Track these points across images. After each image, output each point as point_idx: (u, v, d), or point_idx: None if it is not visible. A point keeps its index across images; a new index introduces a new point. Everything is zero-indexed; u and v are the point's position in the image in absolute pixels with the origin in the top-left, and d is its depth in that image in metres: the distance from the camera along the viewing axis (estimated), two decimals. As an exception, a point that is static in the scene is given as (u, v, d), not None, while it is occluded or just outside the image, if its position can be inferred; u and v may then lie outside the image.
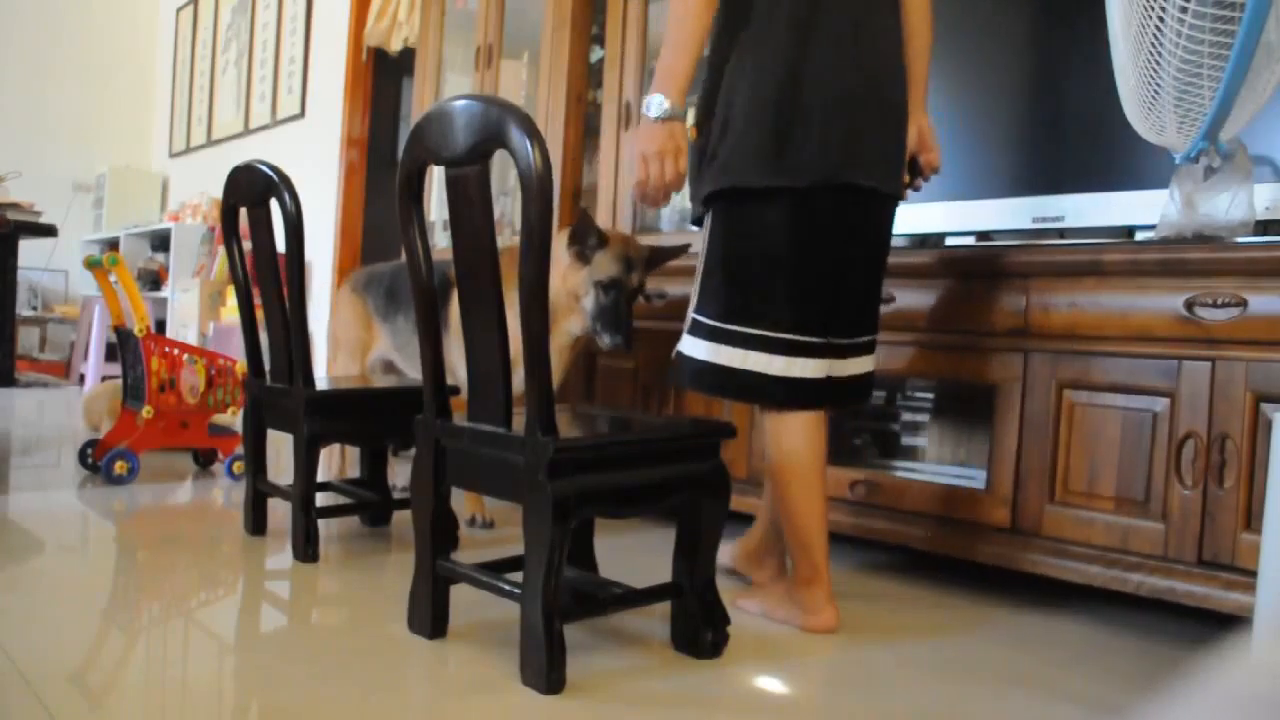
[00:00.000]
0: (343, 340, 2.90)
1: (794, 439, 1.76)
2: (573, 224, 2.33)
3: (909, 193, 1.92)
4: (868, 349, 1.85)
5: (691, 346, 1.80)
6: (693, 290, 1.83)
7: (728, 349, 1.75)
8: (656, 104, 1.63)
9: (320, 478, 2.37)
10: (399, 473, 2.80)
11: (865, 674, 1.60)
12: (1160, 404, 1.80)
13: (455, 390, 1.97)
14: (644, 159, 1.65)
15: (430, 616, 1.64)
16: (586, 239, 2.30)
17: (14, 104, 6.78)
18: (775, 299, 1.72)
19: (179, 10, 7.07)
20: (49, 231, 5.43)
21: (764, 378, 1.73)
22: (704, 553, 1.63)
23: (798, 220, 1.70)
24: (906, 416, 2.48)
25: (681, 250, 2.39)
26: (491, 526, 2.49)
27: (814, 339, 1.74)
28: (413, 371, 2.73)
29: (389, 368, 2.88)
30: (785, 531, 1.81)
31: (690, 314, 1.82)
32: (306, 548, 2.11)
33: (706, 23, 1.65)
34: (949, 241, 2.25)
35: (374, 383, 2.54)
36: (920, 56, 1.86)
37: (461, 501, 2.48)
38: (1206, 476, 1.74)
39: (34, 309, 6.89)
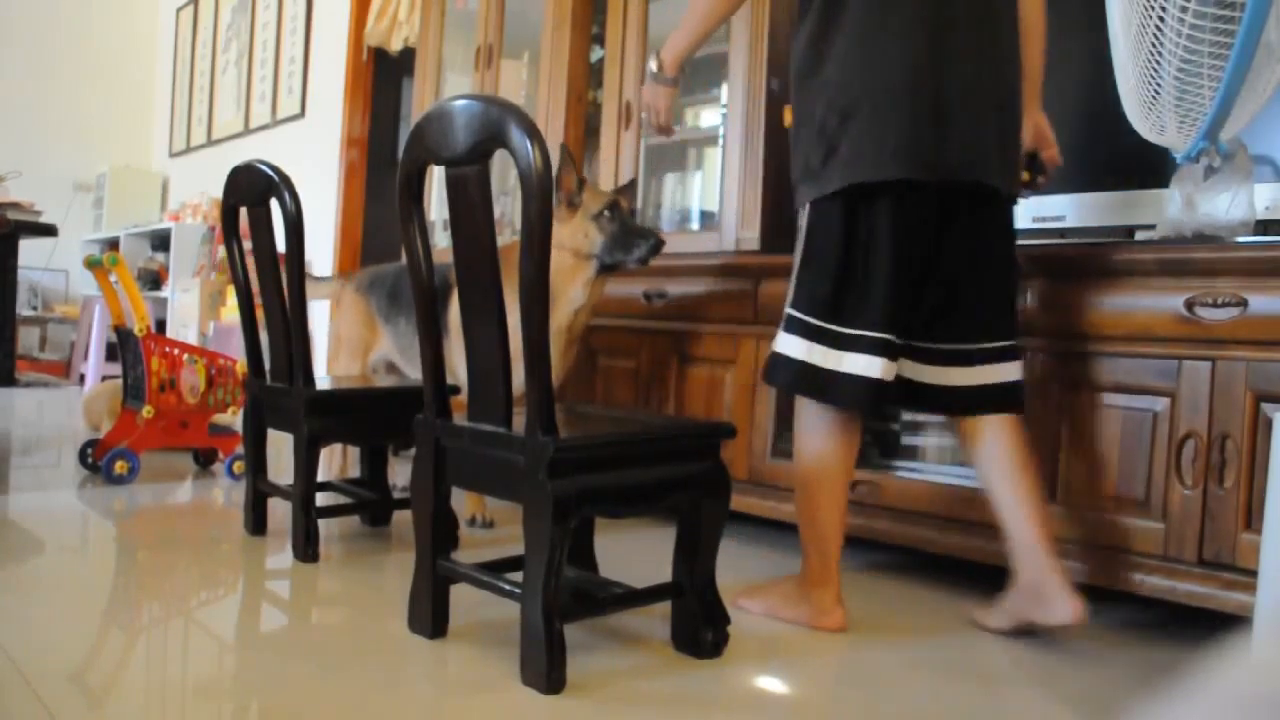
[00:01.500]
0: (345, 340, 2.89)
1: (829, 439, 1.75)
2: (557, 169, 2.30)
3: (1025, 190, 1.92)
4: (997, 356, 1.76)
5: (788, 344, 1.76)
6: (790, 283, 1.79)
7: (822, 348, 1.71)
8: (651, 64, 1.92)
9: (320, 478, 2.37)
10: (399, 473, 2.80)
11: (866, 674, 1.60)
12: (1160, 404, 1.80)
13: (455, 390, 1.97)
14: (643, 107, 2.02)
15: (430, 616, 1.64)
16: (571, 181, 2.32)
17: (14, 104, 6.78)
18: (877, 298, 1.68)
19: (179, 10, 7.07)
20: (49, 231, 5.43)
21: (856, 379, 1.69)
22: (704, 553, 1.63)
23: (920, 217, 1.68)
24: (907, 416, 2.48)
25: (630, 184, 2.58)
26: (491, 526, 2.49)
27: (903, 341, 1.72)
28: (414, 372, 2.72)
29: (390, 368, 2.87)
30: (802, 529, 1.80)
31: (786, 310, 1.78)
32: (306, 548, 2.11)
33: (724, 13, 1.83)
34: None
35: (375, 383, 2.54)
36: (1035, 49, 1.82)
37: (462, 501, 2.47)
38: (1207, 476, 1.74)
39: (34, 309, 6.89)
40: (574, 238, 2.33)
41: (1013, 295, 1.80)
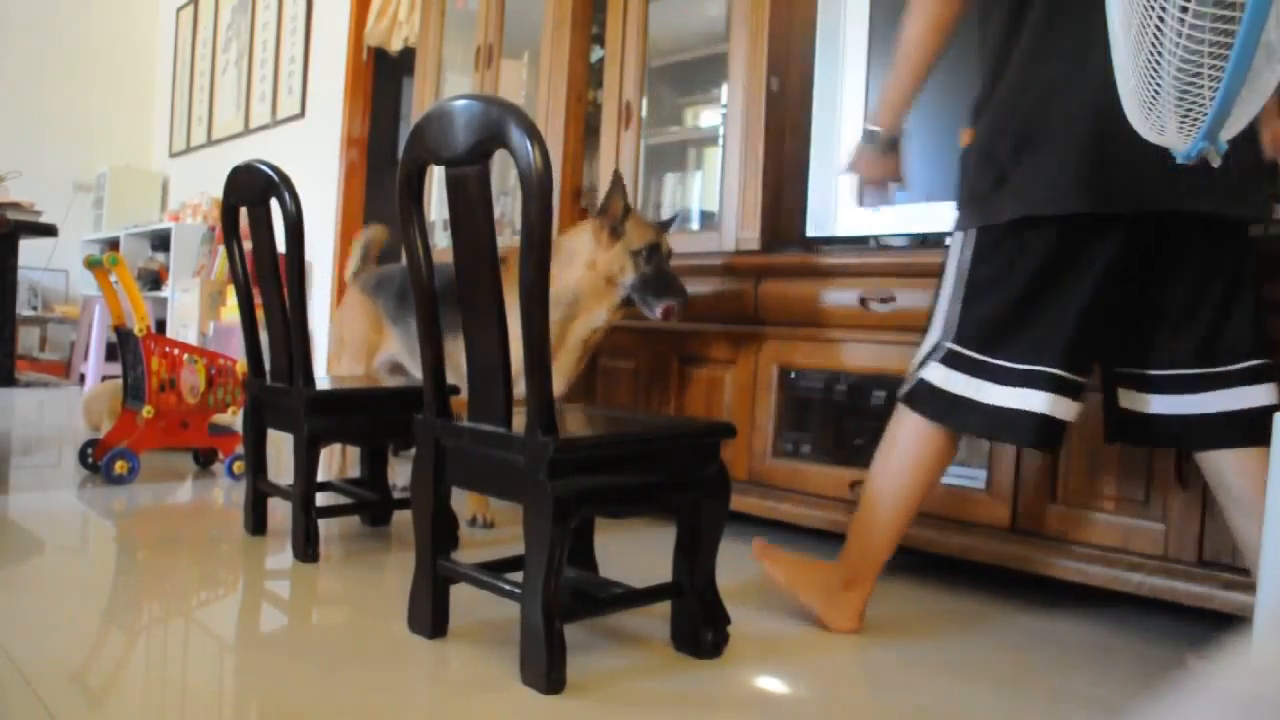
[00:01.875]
0: (348, 341, 2.86)
1: (922, 460, 1.69)
2: (608, 193, 2.32)
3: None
4: (1239, 379, 1.56)
5: (942, 376, 1.66)
6: (939, 311, 1.70)
7: (993, 386, 1.62)
8: (867, 128, 1.83)
9: (320, 478, 2.37)
10: (399, 473, 2.80)
11: (866, 674, 1.60)
12: (1160, 404, 1.80)
13: (455, 390, 1.96)
14: (862, 178, 1.90)
15: (430, 616, 1.64)
16: (618, 208, 2.30)
17: (14, 104, 6.78)
18: (1051, 332, 1.58)
19: (179, 10, 7.07)
20: (49, 231, 5.43)
21: (1018, 415, 1.59)
22: (704, 553, 1.63)
23: (1107, 248, 1.55)
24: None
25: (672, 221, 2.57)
26: (492, 526, 2.49)
27: (1081, 378, 1.61)
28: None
29: (396, 369, 2.86)
30: (855, 529, 1.75)
31: (937, 339, 1.69)
32: (306, 548, 2.11)
33: (929, 51, 1.71)
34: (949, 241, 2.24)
35: (381, 384, 2.54)
36: None
37: (463, 501, 2.47)
38: (1207, 476, 1.74)
39: (34, 309, 6.89)
40: (609, 265, 2.34)
41: (1251, 310, 1.59)
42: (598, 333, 2.45)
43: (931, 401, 1.67)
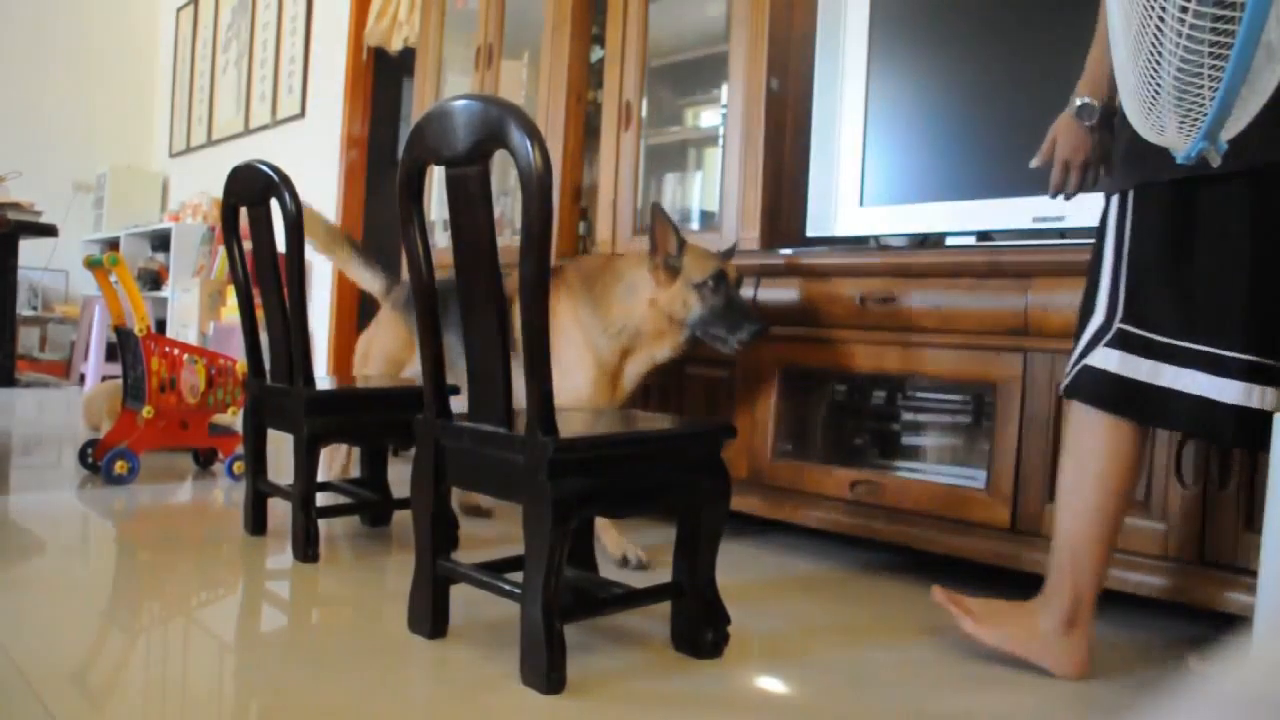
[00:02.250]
0: (374, 356, 2.76)
1: (1112, 461, 1.50)
2: (651, 228, 2.16)
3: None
4: None
5: (1116, 361, 1.47)
6: (1101, 291, 1.51)
7: (1151, 363, 1.44)
8: (1078, 100, 1.61)
9: (320, 478, 2.36)
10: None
11: (865, 674, 1.60)
12: (1160, 404, 1.79)
13: (455, 390, 1.96)
14: (1057, 154, 1.64)
15: (430, 616, 1.64)
16: (669, 242, 2.14)
17: (14, 104, 6.78)
18: (1231, 307, 1.40)
19: (179, 10, 7.07)
20: (49, 231, 5.43)
21: (1210, 405, 1.40)
22: (704, 552, 1.63)
23: (1261, 210, 1.39)
24: (907, 416, 2.48)
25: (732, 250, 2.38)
26: (647, 568, 2.13)
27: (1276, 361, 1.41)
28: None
29: None
30: (1057, 556, 1.56)
31: (1102, 320, 1.50)
32: (306, 548, 2.11)
33: None
34: (949, 241, 2.25)
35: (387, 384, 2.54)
36: None
37: (603, 537, 2.15)
38: (1206, 476, 1.74)
39: (34, 309, 6.89)
40: (671, 304, 2.17)
41: None
42: (657, 368, 2.30)
43: (1106, 390, 1.48)
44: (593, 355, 2.27)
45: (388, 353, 2.73)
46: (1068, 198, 1.67)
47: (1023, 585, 2.13)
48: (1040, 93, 2.16)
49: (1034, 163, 1.68)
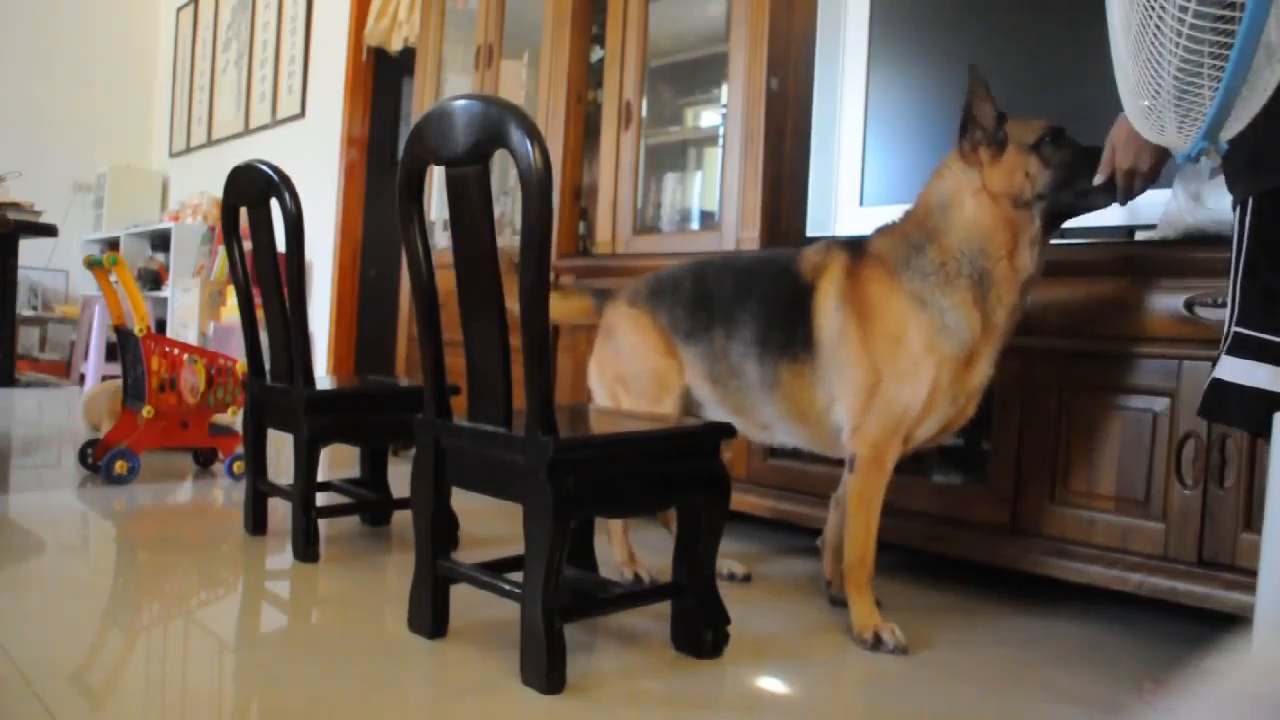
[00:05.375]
0: (632, 378, 2.03)
1: None
2: (966, 105, 1.74)
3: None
4: None
5: (1229, 369, 1.36)
6: (1233, 296, 1.39)
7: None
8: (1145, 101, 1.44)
9: (320, 478, 2.37)
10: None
11: (865, 673, 1.60)
12: (1160, 404, 1.80)
13: (455, 390, 1.96)
14: (1119, 160, 1.60)
15: (430, 616, 1.64)
16: (987, 113, 1.73)
17: (14, 104, 6.78)
18: None
19: (179, 10, 7.07)
20: (49, 231, 5.42)
21: None
22: (704, 552, 1.63)
23: None
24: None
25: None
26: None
27: None
28: (738, 417, 1.96)
29: (686, 410, 2.03)
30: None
31: (1226, 327, 1.39)
32: (306, 548, 2.11)
33: None
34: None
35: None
36: None
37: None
38: (1206, 476, 1.74)
39: (34, 309, 6.89)
40: (1010, 179, 1.70)
41: None
42: (1032, 282, 1.76)
43: (1241, 406, 1.34)
44: (938, 332, 1.74)
45: (646, 367, 2.02)
46: (1122, 204, 1.67)
47: (1023, 585, 2.13)
48: (1041, 92, 2.16)
49: (1097, 179, 1.66)
